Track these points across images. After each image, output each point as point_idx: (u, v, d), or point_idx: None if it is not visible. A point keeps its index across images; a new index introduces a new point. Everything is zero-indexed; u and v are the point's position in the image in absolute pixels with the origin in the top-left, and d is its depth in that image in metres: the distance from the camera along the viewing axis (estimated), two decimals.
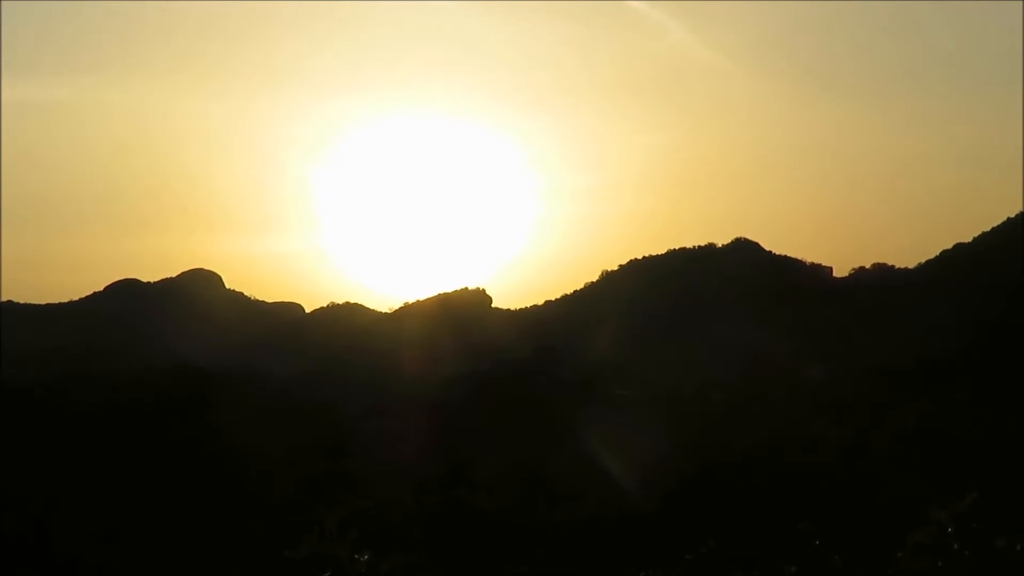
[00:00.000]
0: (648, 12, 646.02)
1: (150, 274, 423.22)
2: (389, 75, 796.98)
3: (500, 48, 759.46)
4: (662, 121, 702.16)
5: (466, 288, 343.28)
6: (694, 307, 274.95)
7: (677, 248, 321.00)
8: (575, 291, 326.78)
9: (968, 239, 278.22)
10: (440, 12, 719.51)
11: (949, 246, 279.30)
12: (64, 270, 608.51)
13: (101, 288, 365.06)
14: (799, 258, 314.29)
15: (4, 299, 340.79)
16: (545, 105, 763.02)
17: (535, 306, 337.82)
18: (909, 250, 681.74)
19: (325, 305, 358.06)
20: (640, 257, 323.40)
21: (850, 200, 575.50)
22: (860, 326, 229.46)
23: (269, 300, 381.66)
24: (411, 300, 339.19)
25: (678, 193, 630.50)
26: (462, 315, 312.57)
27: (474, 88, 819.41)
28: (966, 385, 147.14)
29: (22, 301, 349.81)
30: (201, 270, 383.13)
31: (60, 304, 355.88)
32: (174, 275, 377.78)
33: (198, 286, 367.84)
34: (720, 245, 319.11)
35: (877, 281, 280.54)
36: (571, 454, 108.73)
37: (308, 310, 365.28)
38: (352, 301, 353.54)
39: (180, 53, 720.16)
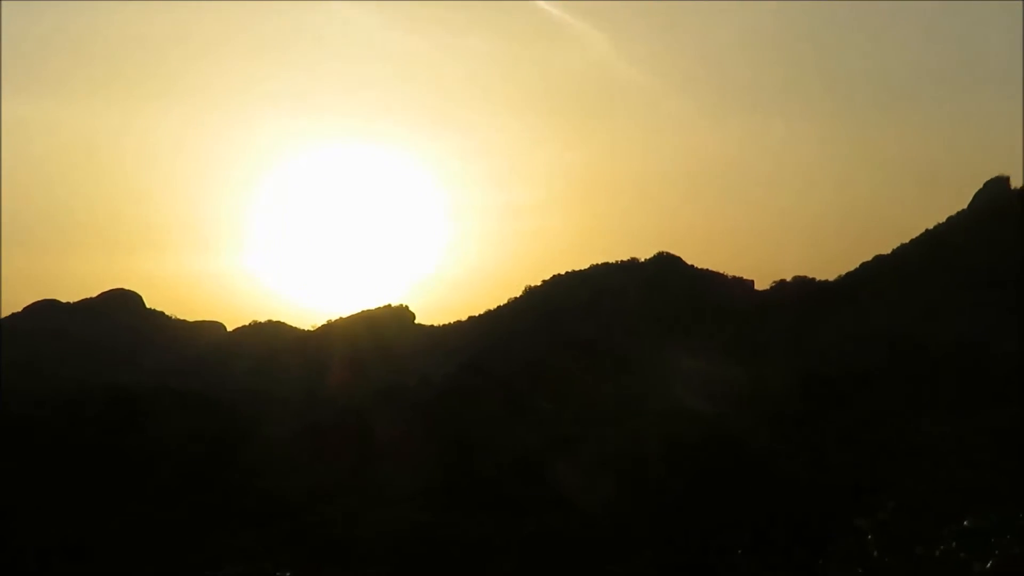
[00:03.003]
0: (571, 25, 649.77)
1: (69, 295, 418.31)
2: (310, 94, 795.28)
3: (423, 63, 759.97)
4: (584, 137, 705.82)
5: (389, 305, 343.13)
6: (617, 321, 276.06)
7: (600, 263, 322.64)
8: (498, 307, 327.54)
9: (887, 251, 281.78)
10: (361, 28, 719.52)
11: (869, 258, 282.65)
12: None
13: (19, 309, 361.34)
14: (721, 272, 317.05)
15: None
16: (468, 121, 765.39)
17: (459, 322, 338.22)
18: (831, 263, 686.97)
19: (248, 324, 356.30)
20: (563, 272, 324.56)
21: (771, 214, 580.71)
22: (781, 338, 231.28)
23: (191, 319, 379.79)
24: (334, 318, 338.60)
25: (601, 208, 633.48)
26: (385, 332, 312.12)
27: (396, 104, 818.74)
28: (885, 396, 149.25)
29: None
30: (121, 290, 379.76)
31: None
32: (94, 295, 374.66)
33: (118, 306, 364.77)
34: (643, 259, 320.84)
35: (798, 294, 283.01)
36: (497, 468, 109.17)
37: (230, 328, 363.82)
38: (274, 319, 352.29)
39: (97, 69, 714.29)
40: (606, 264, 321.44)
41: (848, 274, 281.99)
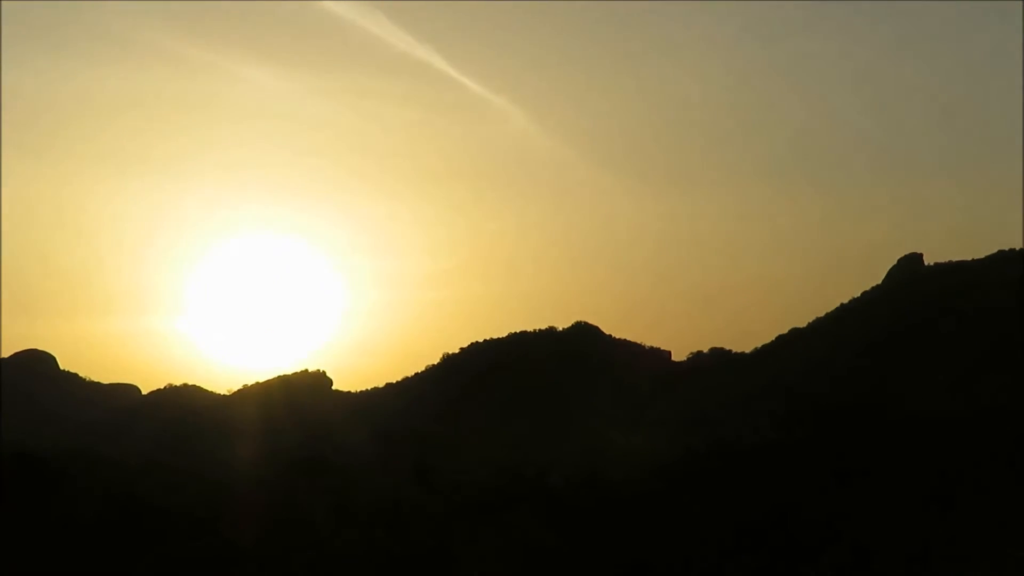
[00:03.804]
0: (491, 99, 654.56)
1: None
2: (234, 159, 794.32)
3: (345, 132, 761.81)
4: (504, 206, 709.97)
5: (306, 370, 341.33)
6: (533, 389, 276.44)
7: (518, 331, 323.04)
8: (415, 374, 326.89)
9: (803, 324, 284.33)
10: (281, 96, 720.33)
11: (785, 331, 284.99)
12: None
13: None
14: (638, 342, 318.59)
15: None
16: (390, 189, 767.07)
17: (376, 388, 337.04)
18: (747, 335, 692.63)
19: (163, 387, 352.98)
20: (481, 340, 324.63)
21: (689, 285, 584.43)
22: (696, 407, 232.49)
23: (105, 381, 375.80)
24: (250, 382, 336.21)
25: (520, 277, 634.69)
26: (302, 397, 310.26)
27: (319, 170, 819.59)
28: (799, 464, 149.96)
29: None
30: (34, 351, 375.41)
31: None
32: (6, 355, 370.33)
33: (31, 367, 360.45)
34: (561, 328, 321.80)
35: (714, 364, 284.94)
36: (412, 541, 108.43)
37: (145, 391, 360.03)
38: (190, 383, 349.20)
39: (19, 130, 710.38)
40: (524, 332, 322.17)
41: (764, 346, 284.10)
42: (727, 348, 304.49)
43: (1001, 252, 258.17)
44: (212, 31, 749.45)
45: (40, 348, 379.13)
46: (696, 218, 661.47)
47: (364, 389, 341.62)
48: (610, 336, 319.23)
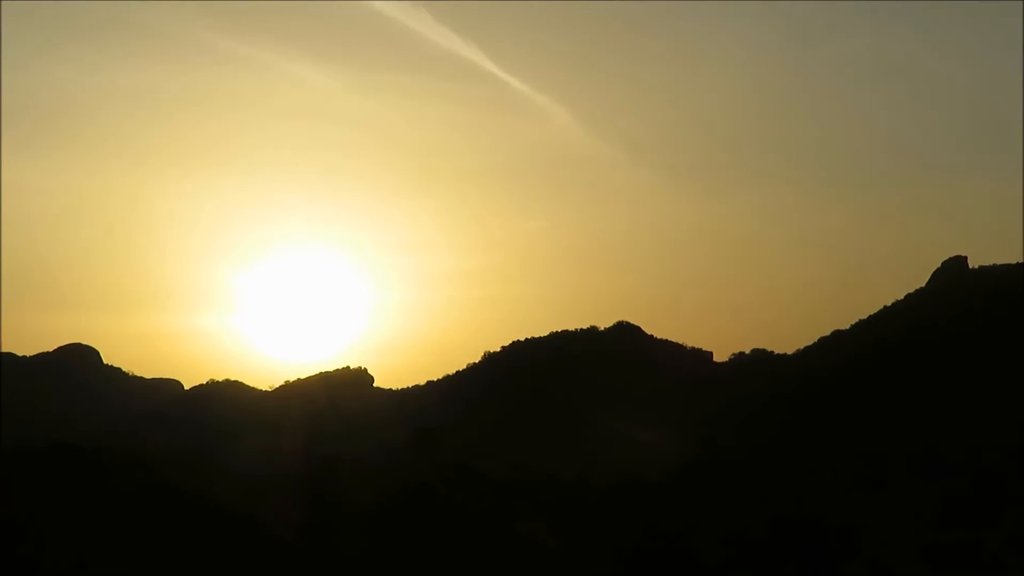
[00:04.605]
0: (534, 98, 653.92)
1: (26, 349, 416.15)
2: (273, 157, 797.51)
3: (387, 130, 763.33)
4: (546, 206, 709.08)
5: (347, 367, 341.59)
6: (574, 388, 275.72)
7: (559, 330, 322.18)
8: (456, 371, 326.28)
9: (846, 325, 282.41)
10: (331, 94, 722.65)
11: (827, 333, 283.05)
12: None
13: None
14: (680, 342, 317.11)
15: None
16: (430, 188, 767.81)
17: (416, 386, 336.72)
18: (791, 336, 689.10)
19: (204, 382, 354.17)
20: (522, 339, 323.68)
21: (731, 286, 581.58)
22: (737, 409, 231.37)
23: (148, 376, 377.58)
24: (292, 379, 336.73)
25: (562, 277, 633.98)
26: (343, 394, 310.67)
27: (361, 168, 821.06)
28: (838, 470, 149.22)
29: None
30: (79, 345, 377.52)
31: None
32: (50, 350, 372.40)
33: (75, 361, 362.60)
34: (602, 328, 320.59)
35: (756, 366, 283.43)
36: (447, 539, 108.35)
37: (187, 387, 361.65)
38: (232, 379, 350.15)
39: (81, 129, 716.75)
40: (565, 331, 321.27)
41: (807, 348, 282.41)
42: (769, 349, 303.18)
43: None
44: (260, 29, 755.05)
45: (86, 343, 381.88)
46: (738, 219, 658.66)
47: (405, 387, 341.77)
48: (651, 336, 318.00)
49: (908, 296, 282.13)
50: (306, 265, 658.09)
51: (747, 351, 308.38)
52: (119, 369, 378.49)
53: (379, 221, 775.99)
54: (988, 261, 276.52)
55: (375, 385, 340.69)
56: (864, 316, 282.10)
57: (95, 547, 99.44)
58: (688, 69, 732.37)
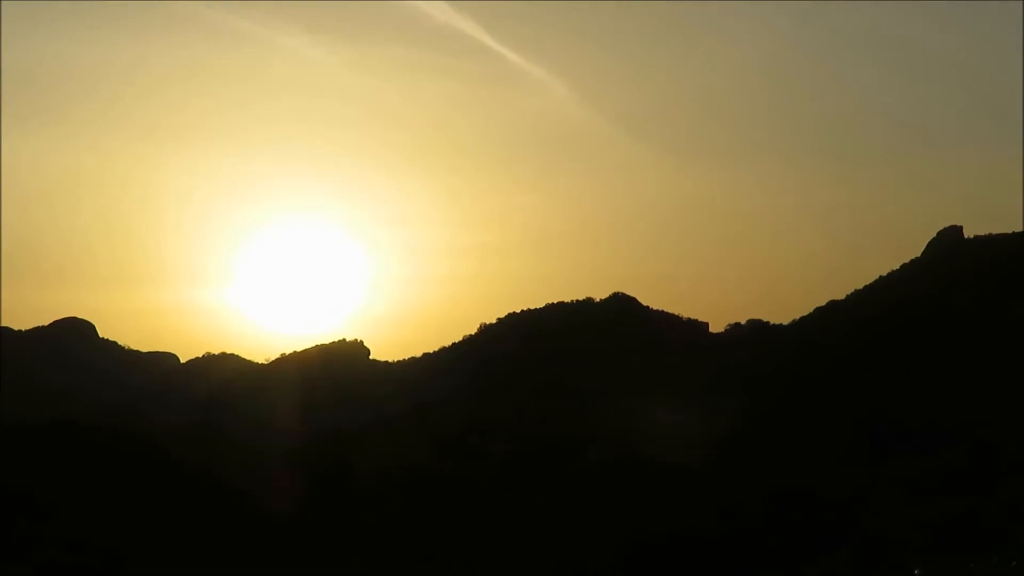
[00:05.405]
0: (530, 71, 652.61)
1: (21, 323, 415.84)
2: (270, 131, 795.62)
3: (383, 104, 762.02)
4: (543, 179, 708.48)
5: (344, 340, 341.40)
6: (570, 359, 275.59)
7: (555, 302, 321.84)
8: (452, 344, 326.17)
9: (841, 296, 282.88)
10: (326, 68, 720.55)
11: (823, 303, 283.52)
12: None
13: None
14: (676, 313, 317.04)
15: None
16: (426, 162, 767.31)
17: (412, 358, 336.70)
18: (786, 309, 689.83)
19: (200, 355, 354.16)
20: (519, 311, 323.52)
21: (727, 259, 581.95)
22: (733, 380, 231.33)
23: (144, 350, 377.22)
24: (288, 351, 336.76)
25: (558, 250, 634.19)
26: (340, 366, 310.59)
27: (357, 144, 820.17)
28: (834, 441, 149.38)
29: None
30: (74, 319, 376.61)
31: None
32: (45, 324, 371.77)
33: (70, 335, 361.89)
34: (598, 300, 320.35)
35: (752, 336, 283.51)
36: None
37: (184, 360, 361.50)
38: (228, 351, 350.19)
39: (74, 105, 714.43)
40: (561, 303, 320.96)
41: (802, 318, 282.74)
42: (765, 320, 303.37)
43: None
44: (257, 3, 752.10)
45: (83, 317, 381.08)
46: (734, 191, 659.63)
47: (401, 359, 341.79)
48: (647, 307, 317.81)
49: (903, 266, 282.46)
50: (302, 239, 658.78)
51: (743, 322, 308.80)
52: (115, 343, 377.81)
53: (374, 195, 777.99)
54: (984, 231, 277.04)
55: (371, 358, 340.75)
56: (860, 287, 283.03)
57: (95, 523, 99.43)
58: (685, 44, 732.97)
